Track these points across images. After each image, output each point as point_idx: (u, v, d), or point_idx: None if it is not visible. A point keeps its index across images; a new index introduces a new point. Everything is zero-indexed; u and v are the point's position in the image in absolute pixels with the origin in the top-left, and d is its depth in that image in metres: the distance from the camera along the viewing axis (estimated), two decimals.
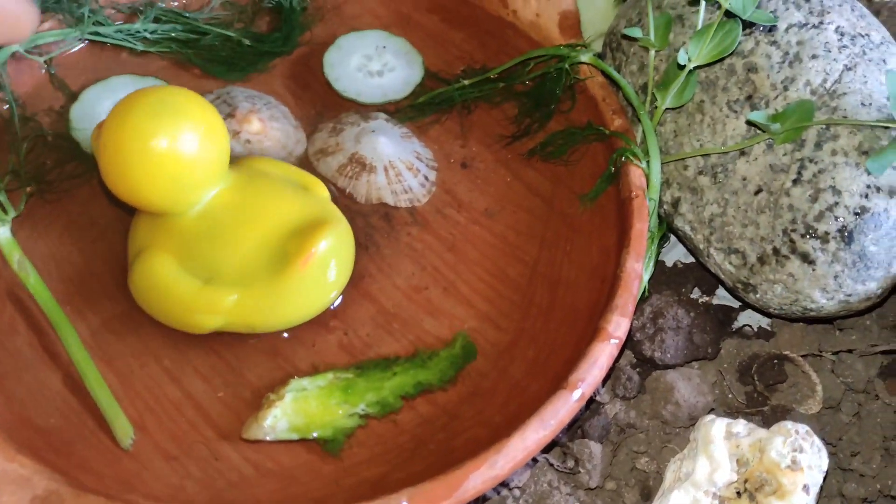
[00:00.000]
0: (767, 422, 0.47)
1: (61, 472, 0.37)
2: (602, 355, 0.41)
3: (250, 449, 0.41)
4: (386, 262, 0.49)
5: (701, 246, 0.49)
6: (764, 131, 0.45)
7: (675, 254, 0.53)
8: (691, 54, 0.45)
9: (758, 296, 0.47)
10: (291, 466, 0.41)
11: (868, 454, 0.45)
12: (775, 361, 0.48)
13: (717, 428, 0.43)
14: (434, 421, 0.43)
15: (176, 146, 0.40)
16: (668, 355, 0.48)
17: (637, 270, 0.44)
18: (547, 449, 0.45)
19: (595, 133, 0.51)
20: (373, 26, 0.57)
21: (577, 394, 0.40)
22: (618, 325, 0.42)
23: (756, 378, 0.48)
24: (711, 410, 0.47)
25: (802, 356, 0.48)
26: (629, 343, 0.49)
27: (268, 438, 0.41)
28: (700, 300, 0.52)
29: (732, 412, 0.47)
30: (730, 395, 0.48)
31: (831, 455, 0.45)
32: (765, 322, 0.51)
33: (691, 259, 0.53)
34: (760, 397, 0.48)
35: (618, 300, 0.43)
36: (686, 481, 0.42)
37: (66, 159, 0.50)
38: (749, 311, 0.51)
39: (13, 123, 0.49)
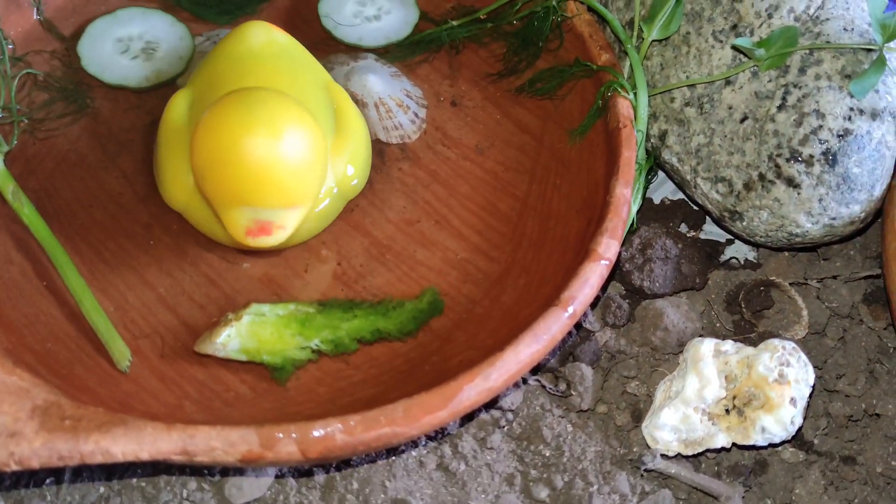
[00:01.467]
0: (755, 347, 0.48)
1: (60, 389, 0.37)
2: (593, 275, 0.42)
3: (245, 370, 0.42)
4: (378, 196, 0.49)
5: (688, 177, 0.49)
6: (749, 58, 0.46)
7: (663, 191, 0.54)
8: None
9: (744, 223, 0.48)
10: (288, 387, 0.42)
11: (853, 376, 0.46)
12: (762, 288, 0.49)
13: (706, 347, 0.44)
14: (428, 345, 0.44)
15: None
16: (657, 285, 0.49)
17: (626, 196, 0.45)
18: (538, 373, 0.46)
19: (583, 69, 0.51)
20: None
21: (568, 311, 0.41)
22: (608, 247, 0.43)
23: (743, 305, 0.48)
24: (700, 336, 0.48)
25: (791, 284, 0.49)
26: (618, 274, 0.50)
27: (218, 355, 0.41)
28: (688, 234, 0.52)
29: (721, 338, 0.48)
30: (717, 324, 0.49)
31: (818, 378, 0.46)
32: (751, 255, 0.52)
33: (679, 196, 0.53)
34: (747, 324, 0.49)
35: (607, 223, 0.44)
36: (676, 399, 0.43)
37: (57, 98, 0.50)
38: (736, 245, 0.52)
39: (3, 60, 0.49)
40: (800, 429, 0.43)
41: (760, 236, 0.48)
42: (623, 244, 0.50)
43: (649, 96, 0.50)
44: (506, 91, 0.53)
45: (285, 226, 0.41)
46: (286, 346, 0.42)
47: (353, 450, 0.36)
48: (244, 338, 0.41)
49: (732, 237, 0.52)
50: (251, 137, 0.39)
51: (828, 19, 0.45)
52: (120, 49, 0.51)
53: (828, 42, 0.44)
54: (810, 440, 0.45)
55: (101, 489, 0.41)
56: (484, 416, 0.44)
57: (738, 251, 0.52)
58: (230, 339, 0.41)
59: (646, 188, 0.52)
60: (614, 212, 0.44)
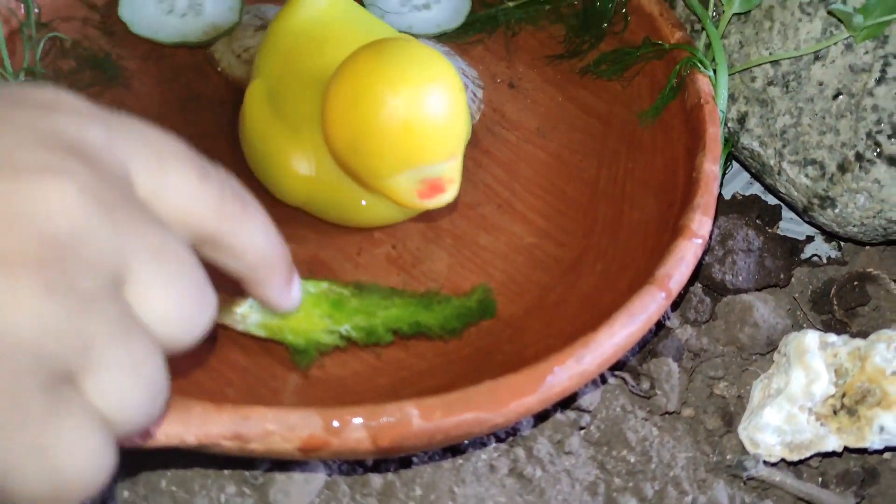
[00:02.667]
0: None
1: None
2: (688, 252, 0.37)
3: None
4: None
5: (771, 161, 0.45)
6: (845, 25, 0.42)
7: (734, 185, 0.50)
8: None
9: (837, 210, 0.44)
10: (343, 375, 0.37)
11: None
12: (856, 283, 0.44)
13: (810, 338, 0.39)
14: (499, 333, 0.39)
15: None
16: (741, 278, 0.44)
17: (715, 172, 0.41)
18: (619, 369, 0.41)
19: (653, 49, 0.47)
20: None
21: (666, 290, 0.36)
22: (701, 224, 0.38)
23: (835, 302, 0.44)
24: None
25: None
26: (696, 267, 0.45)
27: (237, 328, 0.36)
28: (765, 230, 0.48)
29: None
30: (804, 325, 0.44)
31: None
32: (833, 253, 0.47)
33: (750, 191, 0.50)
34: (839, 324, 0.44)
35: (699, 199, 0.39)
36: (779, 396, 0.38)
37: (85, 66, 0.45)
38: (816, 243, 0.48)
39: (29, 23, 0.45)
40: None
41: (854, 225, 0.44)
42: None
43: (728, 75, 0.46)
44: (567, 73, 0.50)
45: (454, 178, 0.37)
46: (313, 328, 0.36)
47: (430, 438, 0.31)
48: (266, 312, 0.36)
49: (812, 234, 0.48)
50: (412, 92, 0.35)
51: None
52: (165, 10, 0.47)
53: None
54: None
55: (125, 493, 0.36)
56: (559, 416, 0.39)
57: (819, 249, 0.48)
58: (251, 312, 0.36)
59: (723, 177, 0.48)
60: (705, 188, 0.40)
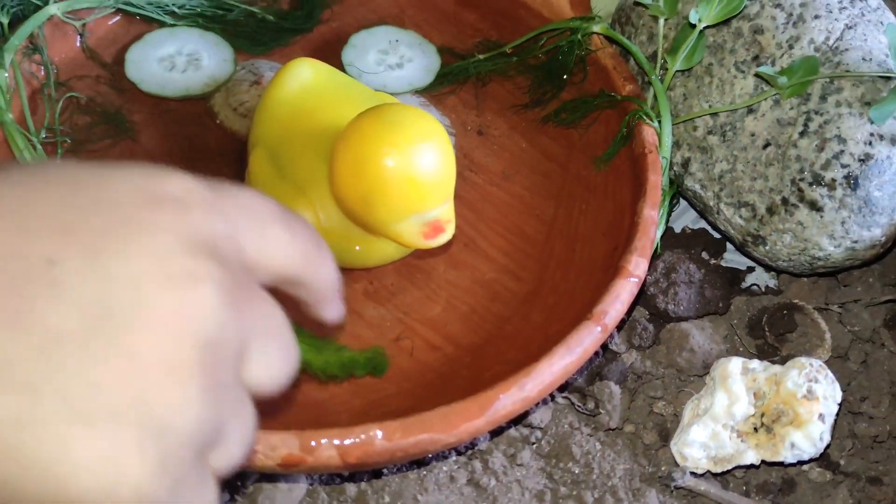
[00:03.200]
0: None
1: None
2: (623, 291, 0.43)
3: None
4: None
5: (711, 203, 0.51)
6: (772, 86, 0.47)
7: (684, 220, 0.55)
8: (701, 14, 0.48)
9: (767, 248, 0.49)
10: (322, 399, 0.42)
11: (877, 398, 0.47)
12: (785, 312, 0.50)
13: (734, 364, 0.44)
14: (459, 360, 0.45)
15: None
16: (682, 308, 0.50)
17: (653, 217, 0.46)
18: (567, 391, 0.46)
19: (607, 100, 0.53)
20: (390, 6, 0.59)
21: (601, 325, 0.41)
22: (637, 265, 0.44)
23: (767, 329, 0.49)
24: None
25: (813, 309, 0.50)
26: (643, 297, 0.50)
27: None
28: (709, 262, 0.53)
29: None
30: (741, 348, 0.50)
31: (844, 401, 0.47)
32: (772, 282, 0.53)
33: (699, 225, 0.55)
34: (771, 348, 0.49)
35: (636, 243, 0.45)
36: (705, 416, 0.43)
37: (99, 122, 0.51)
38: (757, 273, 0.53)
39: (49, 84, 0.51)
40: (827, 448, 0.44)
41: (783, 260, 0.49)
42: (648, 269, 0.51)
43: (673, 125, 0.51)
44: (531, 121, 0.55)
45: (451, 218, 0.43)
46: None
47: (392, 456, 0.37)
48: None
49: (753, 265, 0.53)
50: (412, 151, 0.41)
51: (847, 49, 0.47)
52: (167, 67, 0.53)
53: (847, 71, 0.46)
54: (836, 461, 0.45)
55: None
56: (513, 432, 0.45)
57: (759, 279, 0.53)
58: None
59: (668, 215, 0.53)
60: (643, 232, 0.45)
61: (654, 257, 0.51)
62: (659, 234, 0.50)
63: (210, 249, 0.24)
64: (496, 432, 0.44)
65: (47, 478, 0.22)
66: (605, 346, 0.48)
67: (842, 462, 0.45)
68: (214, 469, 0.25)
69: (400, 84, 0.55)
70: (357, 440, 0.36)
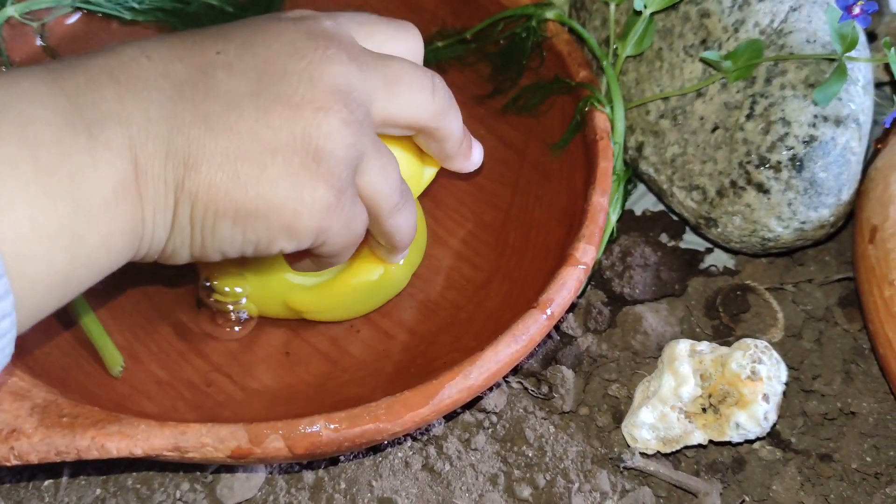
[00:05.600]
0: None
1: (59, 391, 0.39)
2: (570, 278, 0.43)
3: (238, 374, 0.43)
4: None
5: (664, 186, 0.51)
6: (717, 70, 0.48)
7: (644, 203, 0.56)
8: (647, 1, 0.48)
9: (719, 230, 0.49)
10: (275, 388, 0.43)
11: (829, 376, 0.47)
12: (738, 292, 0.50)
13: (681, 347, 0.45)
14: (414, 349, 0.46)
15: None
16: (637, 291, 0.50)
17: (602, 204, 0.47)
18: (520, 375, 0.47)
19: (562, 85, 0.53)
20: None
21: (546, 312, 0.42)
22: (585, 252, 0.44)
23: (721, 309, 0.50)
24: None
25: (767, 289, 0.51)
26: (599, 281, 0.51)
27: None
28: (668, 244, 0.54)
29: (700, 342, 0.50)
30: (697, 329, 0.50)
31: (794, 379, 0.48)
32: (730, 263, 0.53)
33: (659, 208, 0.55)
34: (725, 329, 0.50)
35: (584, 230, 0.45)
36: (653, 398, 0.44)
37: None
38: (715, 254, 0.54)
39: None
40: (775, 426, 0.45)
41: (735, 242, 0.49)
42: (604, 253, 0.51)
43: (626, 110, 0.52)
44: (490, 109, 0.55)
45: None
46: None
47: (339, 446, 0.38)
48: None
49: (711, 246, 0.54)
50: None
51: (791, 32, 0.47)
52: None
53: (791, 53, 0.47)
54: (787, 438, 0.46)
55: (98, 491, 0.43)
56: (468, 417, 0.46)
57: (718, 259, 0.54)
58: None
59: (625, 199, 0.54)
60: (591, 219, 0.46)
61: (611, 241, 0.52)
62: (614, 218, 0.51)
63: (328, 36, 0.36)
64: (450, 418, 0.45)
65: (257, 193, 0.33)
66: (561, 331, 0.49)
67: (792, 440, 0.46)
68: (366, 193, 0.37)
69: None
70: (304, 432, 0.37)
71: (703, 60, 0.48)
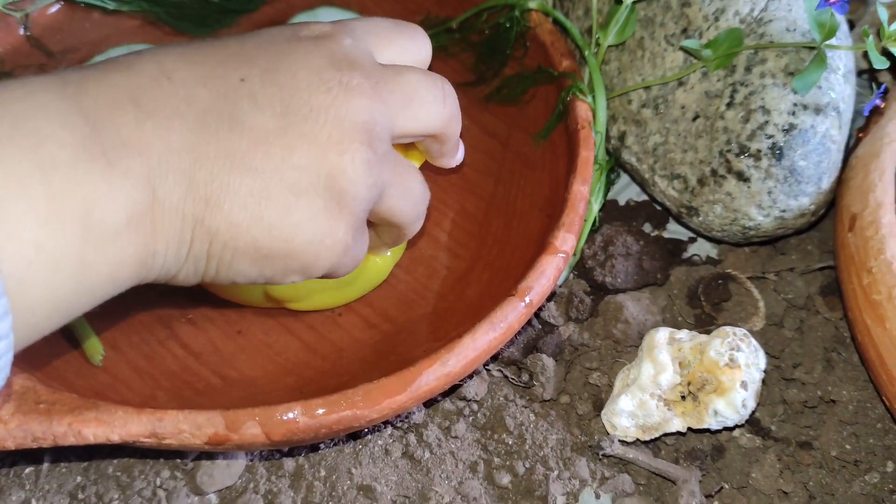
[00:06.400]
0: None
1: (37, 378, 0.39)
2: (549, 266, 0.43)
3: (216, 362, 0.44)
4: None
5: (647, 175, 0.51)
6: (698, 58, 0.48)
7: (629, 193, 0.56)
8: None
9: (700, 218, 0.49)
10: (255, 376, 0.43)
11: (810, 365, 0.48)
12: (720, 281, 0.50)
13: (660, 335, 0.45)
14: (394, 337, 0.46)
15: None
16: (619, 280, 0.50)
17: (583, 193, 0.47)
18: (502, 364, 0.47)
19: (545, 75, 0.53)
20: None
21: (525, 300, 0.42)
22: (564, 240, 0.45)
23: (702, 298, 0.50)
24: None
25: (750, 277, 0.51)
26: (582, 270, 0.51)
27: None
28: (651, 234, 0.54)
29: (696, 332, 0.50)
30: (679, 318, 0.50)
31: (775, 368, 0.48)
32: (713, 252, 0.53)
33: (643, 197, 0.55)
34: (707, 317, 0.50)
35: (564, 218, 0.45)
36: (633, 385, 0.44)
37: None
38: (699, 243, 0.54)
39: None
40: (754, 413, 0.45)
41: (717, 231, 0.50)
42: (587, 242, 0.52)
43: (608, 99, 0.52)
44: (473, 98, 0.55)
45: None
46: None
47: (316, 433, 0.38)
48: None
49: (694, 235, 0.54)
50: None
51: (771, 21, 0.47)
52: None
53: (771, 42, 0.47)
54: (767, 426, 0.46)
55: (78, 478, 0.43)
56: (448, 405, 0.46)
57: (701, 249, 0.54)
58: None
59: (607, 188, 0.54)
60: (571, 207, 0.46)
61: (593, 231, 0.52)
62: (596, 207, 0.51)
63: (351, 62, 0.35)
64: (431, 405, 0.46)
65: (280, 236, 0.32)
66: (542, 319, 0.49)
67: (772, 428, 0.46)
68: (385, 216, 0.38)
69: None
70: (281, 418, 0.37)
71: (683, 49, 0.48)
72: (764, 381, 0.46)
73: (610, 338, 0.49)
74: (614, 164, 0.54)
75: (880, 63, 0.43)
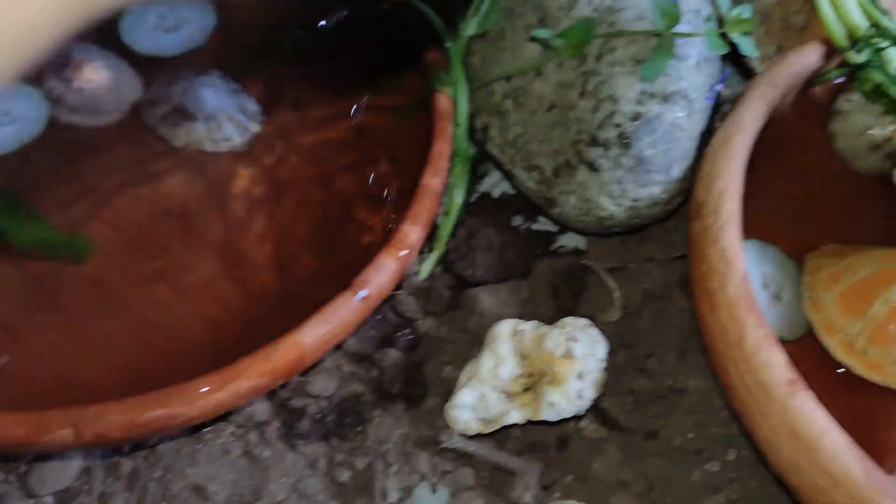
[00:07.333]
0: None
1: None
2: (389, 259, 0.43)
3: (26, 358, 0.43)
4: (221, 202, 0.50)
5: (508, 167, 0.51)
6: (549, 48, 0.47)
7: (504, 185, 0.55)
8: None
9: (558, 209, 0.49)
10: (71, 377, 0.43)
11: (663, 354, 0.47)
12: (577, 273, 0.50)
13: (503, 327, 0.45)
14: (237, 335, 0.45)
15: None
16: (480, 273, 0.50)
17: (433, 185, 0.46)
18: (355, 361, 0.47)
19: (413, 67, 0.53)
20: None
21: (360, 294, 0.42)
22: (407, 234, 0.44)
23: (562, 289, 0.50)
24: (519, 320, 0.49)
25: (609, 268, 0.50)
26: (445, 263, 0.51)
27: None
28: (522, 226, 0.54)
29: (545, 322, 0.49)
30: (543, 310, 0.50)
31: (629, 359, 0.47)
32: (582, 244, 0.53)
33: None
34: (569, 309, 0.50)
35: (410, 211, 0.45)
36: (473, 378, 0.44)
37: None
38: (569, 235, 0.53)
39: None
40: (602, 404, 0.45)
41: (574, 222, 0.49)
42: (451, 235, 0.51)
43: (473, 91, 0.51)
44: (347, 89, 0.55)
45: None
46: None
47: (130, 432, 0.37)
48: None
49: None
50: None
51: (622, 9, 0.47)
52: None
53: (621, 30, 0.46)
54: (615, 417, 0.46)
55: None
56: (296, 402, 0.45)
57: (570, 240, 0.53)
58: None
59: (471, 181, 0.53)
60: (418, 199, 0.45)
61: (458, 224, 0.51)
62: (459, 200, 0.51)
63: None
64: (277, 402, 0.45)
65: None
66: (399, 313, 0.49)
67: (621, 418, 0.46)
68: None
69: (173, 46, 0.55)
70: (93, 418, 0.37)
71: (534, 39, 0.48)
72: (616, 372, 0.46)
73: (467, 331, 0.48)
74: (481, 157, 0.53)
75: (719, 48, 0.43)
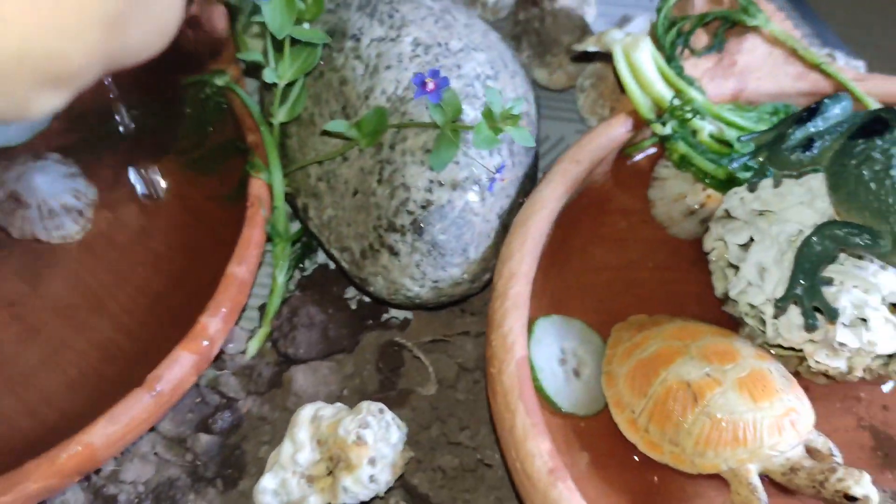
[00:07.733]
0: (394, 404, 0.50)
1: None
2: (185, 354, 0.45)
3: None
4: (50, 290, 0.52)
5: (327, 247, 0.53)
6: (345, 139, 0.49)
7: None
8: (281, 73, 0.50)
9: (371, 289, 0.51)
10: None
11: (476, 427, 0.49)
12: (394, 348, 0.52)
13: (305, 412, 0.46)
14: (64, 430, 0.47)
15: None
16: (301, 350, 0.52)
17: (238, 273, 0.48)
18: (168, 446, 0.49)
19: (236, 149, 0.54)
20: None
21: (154, 391, 0.43)
22: (206, 325, 0.46)
23: (381, 365, 0.51)
24: (339, 398, 0.51)
25: (429, 341, 0.52)
26: (270, 342, 0.53)
27: None
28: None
29: (366, 398, 0.51)
30: (367, 383, 0.52)
31: (442, 433, 0.49)
32: (410, 315, 0.55)
33: None
34: (389, 382, 0.51)
35: (211, 302, 0.47)
36: (276, 463, 0.45)
37: None
38: None
39: None
40: (405, 480, 0.46)
41: (388, 299, 0.51)
42: (276, 314, 0.53)
43: (291, 172, 0.53)
44: (180, 170, 0.57)
45: None
46: None
47: None
48: None
49: None
50: None
51: (412, 99, 0.48)
52: None
53: (411, 120, 0.48)
54: (425, 493, 0.47)
55: None
56: (112, 489, 0.47)
57: (401, 312, 0.55)
58: None
59: (302, 256, 0.55)
60: (220, 290, 0.47)
61: (284, 301, 0.53)
62: (281, 279, 0.52)
63: None
64: (94, 491, 0.47)
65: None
66: (222, 393, 0.51)
67: (430, 494, 0.47)
68: None
69: (19, 135, 0.56)
70: None
71: (326, 133, 0.49)
72: (429, 446, 0.48)
73: (286, 410, 0.50)
74: (309, 234, 0.55)
75: (487, 143, 0.44)
